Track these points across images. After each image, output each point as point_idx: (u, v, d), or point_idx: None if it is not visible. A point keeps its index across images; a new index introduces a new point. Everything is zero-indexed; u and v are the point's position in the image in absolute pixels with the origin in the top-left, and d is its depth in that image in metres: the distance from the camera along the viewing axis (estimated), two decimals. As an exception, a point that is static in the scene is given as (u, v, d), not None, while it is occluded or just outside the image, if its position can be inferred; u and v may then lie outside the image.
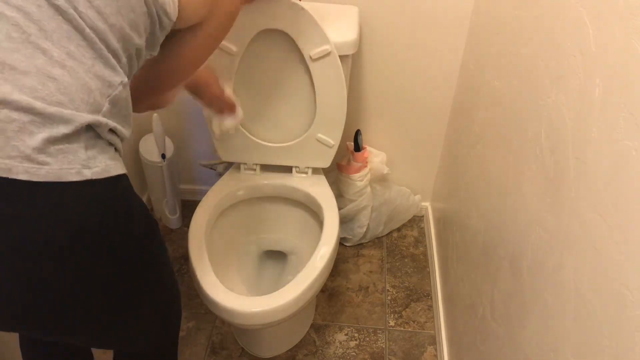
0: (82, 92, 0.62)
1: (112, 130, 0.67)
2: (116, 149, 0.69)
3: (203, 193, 1.34)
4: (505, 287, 0.94)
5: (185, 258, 1.67)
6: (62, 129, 0.59)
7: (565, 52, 0.74)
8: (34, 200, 0.58)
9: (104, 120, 0.64)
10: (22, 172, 0.56)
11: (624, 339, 0.56)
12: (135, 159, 1.68)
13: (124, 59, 0.69)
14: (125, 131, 0.70)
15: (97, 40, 0.64)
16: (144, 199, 1.82)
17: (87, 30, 0.63)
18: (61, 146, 0.59)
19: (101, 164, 0.63)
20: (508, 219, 0.95)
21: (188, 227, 1.22)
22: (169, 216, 1.75)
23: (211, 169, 1.70)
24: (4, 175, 0.55)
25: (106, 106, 0.65)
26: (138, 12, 0.69)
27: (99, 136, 0.65)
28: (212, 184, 1.36)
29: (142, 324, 0.83)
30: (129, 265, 0.71)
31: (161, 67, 0.86)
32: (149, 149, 1.62)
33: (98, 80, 0.64)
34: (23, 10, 0.58)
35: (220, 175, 1.41)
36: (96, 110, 0.64)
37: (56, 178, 0.58)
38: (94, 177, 0.61)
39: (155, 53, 0.81)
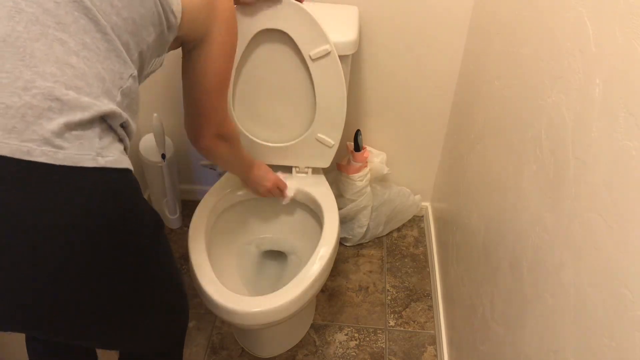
0: (97, 80, 0.64)
1: (122, 126, 0.69)
2: (125, 147, 0.71)
3: (203, 193, 1.34)
4: (505, 287, 0.94)
5: (185, 258, 1.66)
6: (79, 115, 0.61)
7: (565, 52, 0.74)
8: (52, 183, 0.59)
9: (118, 110, 0.67)
10: (41, 154, 0.57)
11: (624, 339, 0.56)
12: (135, 159, 1.68)
13: (135, 55, 0.72)
14: (133, 126, 0.72)
15: (111, 33, 0.67)
16: (144, 199, 1.82)
17: (102, 22, 0.66)
18: (77, 132, 0.61)
19: (114, 155, 0.65)
20: (508, 219, 0.95)
21: (188, 227, 1.22)
22: (169, 216, 1.75)
23: (211, 169, 1.69)
24: (24, 157, 0.57)
25: (119, 97, 0.68)
26: (147, 7, 0.73)
27: (111, 128, 0.67)
28: (212, 184, 1.36)
29: (148, 324, 0.83)
30: (137, 258, 0.71)
31: (195, 91, 0.94)
32: (149, 149, 1.62)
33: (110, 71, 0.67)
34: (42, 6, 0.62)
35: (220, 175, 1.41)
36: (111, 99, 0.66)
37: (73, 162, 0.60)
38: (107, 166, 0.63)
39: (163, 56, 0.84)
